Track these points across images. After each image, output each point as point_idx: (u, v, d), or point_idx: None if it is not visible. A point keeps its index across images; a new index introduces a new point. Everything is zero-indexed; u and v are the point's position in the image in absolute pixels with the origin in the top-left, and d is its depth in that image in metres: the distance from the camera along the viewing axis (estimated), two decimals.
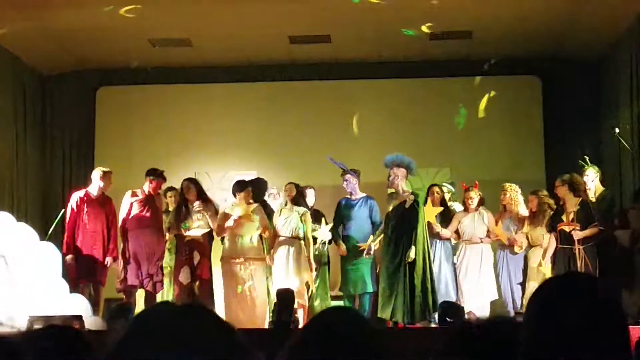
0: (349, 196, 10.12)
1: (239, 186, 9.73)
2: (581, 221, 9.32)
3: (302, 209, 9.81)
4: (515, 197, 10.22)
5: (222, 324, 1.27)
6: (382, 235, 9.42)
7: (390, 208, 9.25)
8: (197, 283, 9.74)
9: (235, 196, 9.72)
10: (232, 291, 9.50)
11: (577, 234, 9.23)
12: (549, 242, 9.60)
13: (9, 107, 11.81)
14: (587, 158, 10.19)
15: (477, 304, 9.77)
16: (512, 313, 9.82)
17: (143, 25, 11.18)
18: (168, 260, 10.08)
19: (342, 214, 10.10)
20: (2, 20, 10.50)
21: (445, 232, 10.03)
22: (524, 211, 10.17)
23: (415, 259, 8.93)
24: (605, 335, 1.79)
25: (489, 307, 9.86)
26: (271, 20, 11.15)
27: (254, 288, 9.49)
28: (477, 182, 10.28)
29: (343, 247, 9.96)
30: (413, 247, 8.95)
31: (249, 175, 11.62)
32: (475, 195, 10.07)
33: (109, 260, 9.77)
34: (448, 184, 11.06)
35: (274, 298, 9.24)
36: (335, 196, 10.59)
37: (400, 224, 9.08)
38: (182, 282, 9.72)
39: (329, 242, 10.28)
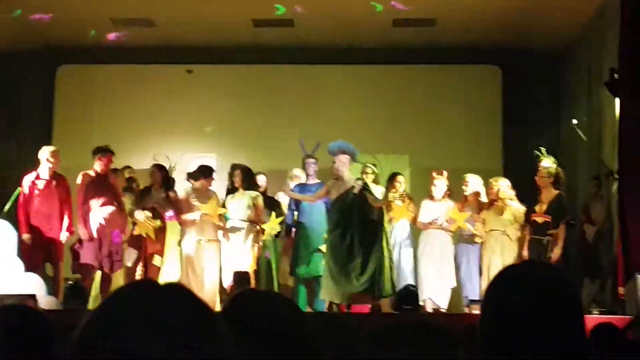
0: (304, 181, 10.08)
1: (204, 173, 9.67)
2: (554, 213, 9.23)
3: (254, 193, 9.80)
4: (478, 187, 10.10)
5: (204, 306, 1.24)
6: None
7: (336, 195, 9.14)
8: (146, 262, 9.69)
9: (194, 181, 9.65)
10: (185, 272, 9.46)
11: (555, 253, 9.10)
12: (524, 232, 9.50)
13: None
14: (543, 149, 10.12)
15: (437, 291, 9.76)
16: (466, 302, 9.87)
17: (105, 3, 11.05)
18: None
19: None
20: None
21: (421, 224, 9.98)
22: (484, 199, 10.07)
23: (370, 241, 8.92)
24: (562, 323, 1.80)
25: (448, 294, 9.87)
26: (235, 3, 11.08)
27: (208, 269, 9.47)
28: (445, 171, 10.04)
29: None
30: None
31: (208, 158, 11.56)
32: (440, 184, 9.94)
33: (65, 235, 9.66)
34: (371, 164, 10.43)
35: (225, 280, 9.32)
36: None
37: (351, 209, 8.99)
38: (127, 265, 9.65)
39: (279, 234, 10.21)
